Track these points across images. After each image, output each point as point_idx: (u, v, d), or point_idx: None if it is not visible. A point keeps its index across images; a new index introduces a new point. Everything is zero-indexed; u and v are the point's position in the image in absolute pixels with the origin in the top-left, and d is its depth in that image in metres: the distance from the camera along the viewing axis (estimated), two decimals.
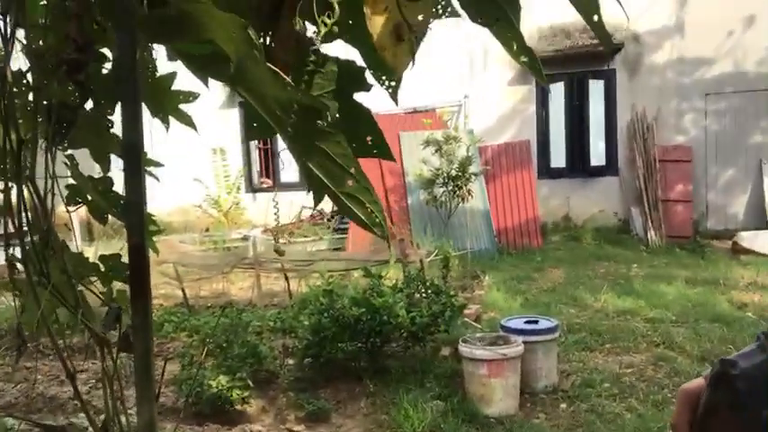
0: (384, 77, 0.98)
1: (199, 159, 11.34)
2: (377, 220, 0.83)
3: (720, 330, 5.28)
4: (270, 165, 12.84)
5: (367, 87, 0.87)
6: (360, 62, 0.94)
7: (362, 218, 0.83)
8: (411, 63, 0.90)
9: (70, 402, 4.20)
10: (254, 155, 12.69)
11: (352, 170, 0.79)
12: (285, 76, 0.68)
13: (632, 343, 5.15)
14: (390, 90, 0.99)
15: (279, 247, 5.43)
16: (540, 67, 0.94)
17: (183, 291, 6.74)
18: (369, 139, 0.88)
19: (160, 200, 11.92)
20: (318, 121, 0.74)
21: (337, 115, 0.86)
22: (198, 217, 10.58)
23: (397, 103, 1.02)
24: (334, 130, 0.75)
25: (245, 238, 8.81)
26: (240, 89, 0.76)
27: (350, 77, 0.85)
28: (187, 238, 9.59)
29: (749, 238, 8.98)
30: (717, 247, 9.65)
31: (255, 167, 12.87)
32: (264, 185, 12.77)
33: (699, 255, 9.09)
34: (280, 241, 7.41)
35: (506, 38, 0.90)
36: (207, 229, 10.33)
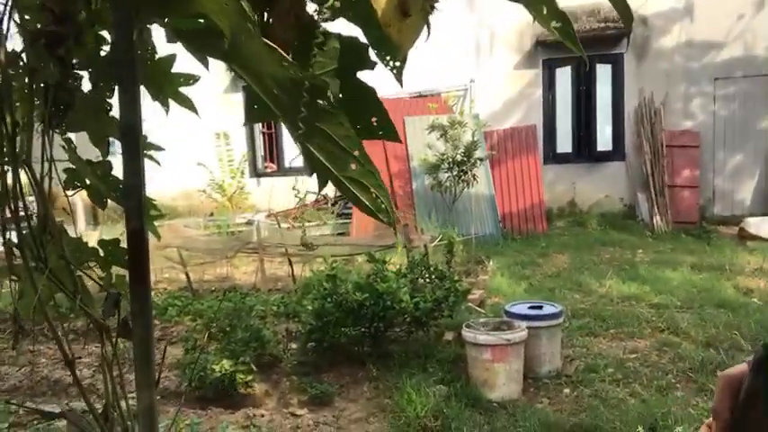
0: (388, 57, 0.94)
1: (202, 144, 11.31)
2: (382, 206, 0.79)
3: (726, 316, 5.25)
4: (274, 149, 12.80)
5: (371, 65, 0.83)
6: (362, 40, 0.90)
7: (367, 204, 0.79)
8: (427, 34, 0.85)
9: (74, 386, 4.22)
10: (258, 139, 12.65)
11: (356, 153, 0.75)
12: (282, 52, 0.65)
13: (637, 328, 5.13)
14: (395, 71, 0.95)
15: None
16: (574, 33, 0.89)
17: (186, 275, 6.75)
18: (374, 119, 0.84)
19: (165, 184, 11.92)
20: (319, 101, 0.70)
21: (340, 95, 0.83)
22: (202, 201, 10.57)
23: (401, 84, 0.98)
24: (336, 110, 0.71)
25: (250, 223, 8.81)
26: (236, 66, 0.72)
27: (352, 55, 0.81)
28: (191, 222, 9.59)
29: (756, 224, 8.92)
30: (723, 232, 9.60)
31: (259, 152, 12.83)
32: (269, 170, 12.74)
33: (705, 240, 9.04)
34: (283, 226, 7.40)
35: (536, 1, 0.85)
36: (211, 214, 10.32)
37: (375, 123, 0.83)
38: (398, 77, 0.95)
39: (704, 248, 8.48)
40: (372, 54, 0.87)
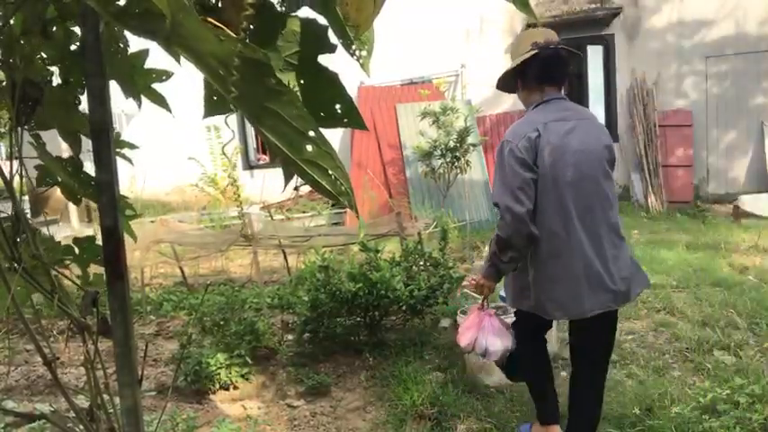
0: (354, 47, 0.91)
1: (194, 138, 11.23)
2: (342, 188, 0.75)
3: (721, 294, 5.26)
4: None
5: (331, 48, 0.79)
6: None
7: (327, 187, 0.76)
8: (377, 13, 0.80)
9: (71, 384, 4.20)
10: (250, 131, 12.57)
11: (311, 134, 0.72)
12: (222, 26, 0.61)
13: (633, 309, 5.13)
14: (361, 60, 0.91)
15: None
16: None
17: (181, 269, 6.72)
18: (338, 106, 0.80)
19: (158, 180, 11.86)
20: (269, 79, 0.66)
21: (302, 81, 0.80)
22: (196, 196, 10.53)
23: (369, 75, 0.95)
24: (285, 88, 0.67)
25: (243, 215, 8.76)
26: (179, 50, 0.69)
27: (312, 38, 0.78)
28: (185, 216, 9.56)
29: (750, 202, 8.93)
30: (718, 211, 9.61)
31: (252, 144, 12.76)
32: (261, 162, 12.68)
33: (700, 219, 9.04)
34: (277, 217, 7.35)
35: None
36: (204, 208, 10.29)
37: (339, 110, 0.79)
38: (365, 68, 0.91)
39: (699, 227, 8.48)
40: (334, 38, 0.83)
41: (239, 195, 7.25)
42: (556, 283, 2.49)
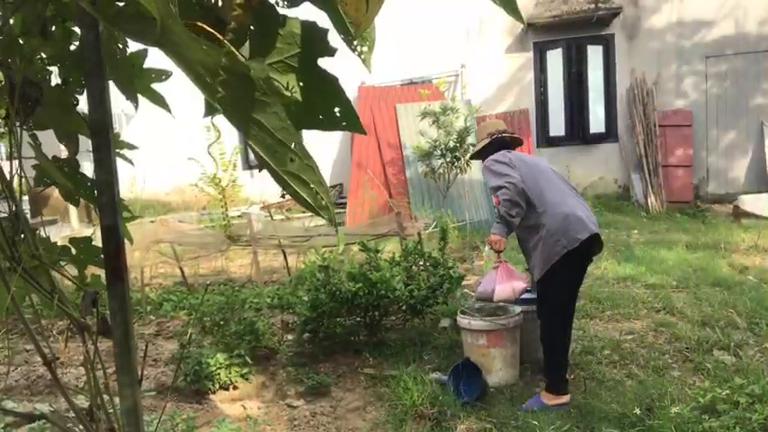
0: (356, 43, 0.90)
1: (194, 138, 11.23)
2: (323, 202, 0.75)
3: (721, 294, 5.26)
4: None
5: (331, 52, 0.79)
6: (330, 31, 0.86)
7: (307, 200, 0.76)
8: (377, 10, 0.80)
9: (71, 384, 4.20)
10: None
11: (293, 146, 0.72)
12: (213, 32, 0.61)
13: (632, 309, 5.13)
14: (362, 56, 0.91)
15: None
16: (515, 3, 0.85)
17: (181, 269, 6.72)
18: (336, 110, 0.80)
19: (158, 180, 11.87)
20: (254, 90, 0.65)
21: (301, 84, 0.79)
22: (196, 196, 10.53)
23: (370, 70, 0.95)
24: (270, 99, 0.67)
25: (242, 216, 8.76)
26: (169, 54, 0.69)
27: (312, 41, 0.78)
28: (185, 216, 9.56)
29: (750, 202, 8.93)
30: (717, 211, 9.61)
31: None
32: None
33: (699, 219, 9.04)
34: (277, 217, 7.35)
35: None
36: (204, 208, 10.28)
37: (338, 114, 0.79)
38: (367, 64, 0.91)
39: (699, 227, 8.48)
40: (334, 40, 0.82)
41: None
42: (569, 221, 3.54)
